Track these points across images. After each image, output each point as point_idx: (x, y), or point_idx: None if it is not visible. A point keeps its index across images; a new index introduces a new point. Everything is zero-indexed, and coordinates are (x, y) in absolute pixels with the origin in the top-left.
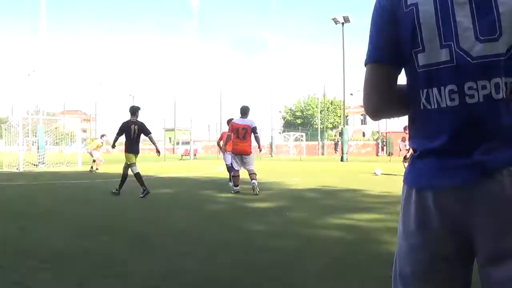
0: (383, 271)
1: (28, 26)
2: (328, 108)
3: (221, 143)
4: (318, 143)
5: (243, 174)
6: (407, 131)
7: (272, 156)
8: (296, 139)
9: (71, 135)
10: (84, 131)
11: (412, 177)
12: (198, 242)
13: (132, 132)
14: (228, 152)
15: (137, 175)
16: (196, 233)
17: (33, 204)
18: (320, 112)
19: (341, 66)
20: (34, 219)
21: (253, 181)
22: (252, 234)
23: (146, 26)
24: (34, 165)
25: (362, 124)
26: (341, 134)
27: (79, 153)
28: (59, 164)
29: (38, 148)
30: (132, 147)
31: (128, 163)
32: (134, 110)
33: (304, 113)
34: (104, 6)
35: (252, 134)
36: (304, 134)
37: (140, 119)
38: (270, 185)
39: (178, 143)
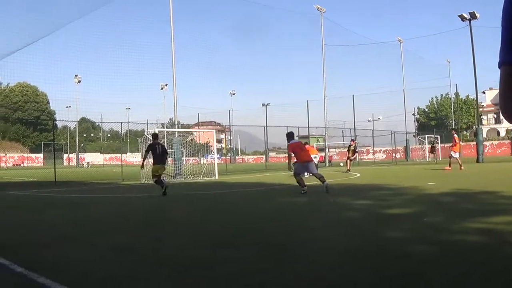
0: None
1: (159, 39)
2: (462, 108)
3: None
4: None
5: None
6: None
7: (407, 160)
8: (431, 142)
9: (206, 146)
10: (219, 141)
11: None
12: (333, 249)
13: (158, 150)
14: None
15: (157, 181)
16: (331, 240)
17: (169, 214)
18: (454, 112)
19: (471, 63)
20: (170, 229)
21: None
22: (388, 240)
23: (276, 34)
24: (171, 176)
25: (496, 123)
26: (475, 134)
27: (215, 163)
28: (196, 175)
29: (174, 160)
30: (158, 160)
31: (154, 173)
32: (156, 135)
33: (438, 114)
34: (234, 17)
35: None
36: (438, 136)
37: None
38: (405, 190)
39: None
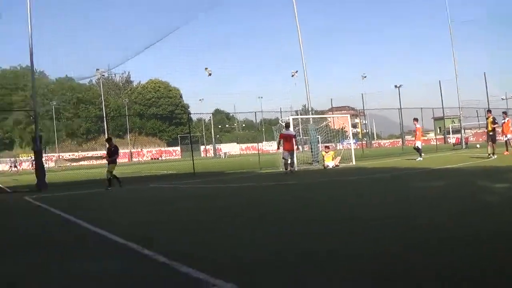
0: None
1: (288, 26)
2: None
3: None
4: None
5: None
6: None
7: None
8: None
9: (342, 131)
10: (354, 126)
11: None
12: (469, 237)
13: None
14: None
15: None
16: (466, 227)
17: (310, 202)
18: None
19: None
20: (310, 220)
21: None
22: None
23: (408, 14)
24: (309, 163)
25: None
26: None
27: (352, 148)
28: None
29: (311, 147)
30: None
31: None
32: (110, 138)
33: None
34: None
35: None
36: None
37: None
38: None
39: (448, 132)
